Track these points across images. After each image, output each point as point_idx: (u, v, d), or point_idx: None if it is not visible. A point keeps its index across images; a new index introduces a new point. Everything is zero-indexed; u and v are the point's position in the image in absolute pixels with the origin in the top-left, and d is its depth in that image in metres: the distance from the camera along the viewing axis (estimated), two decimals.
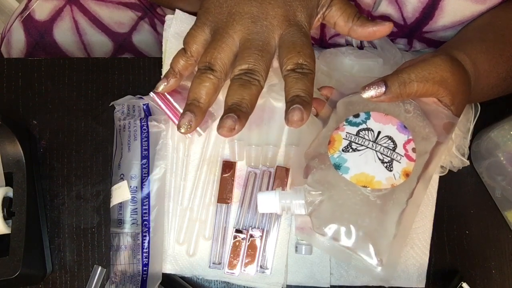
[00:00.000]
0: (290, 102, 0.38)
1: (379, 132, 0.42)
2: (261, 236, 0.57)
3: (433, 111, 0.45)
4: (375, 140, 0.42)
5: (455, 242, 0.60)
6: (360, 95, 0.43)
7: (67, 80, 0.63)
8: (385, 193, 0.42)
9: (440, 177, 0.59)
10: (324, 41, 0.62)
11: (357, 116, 0.43)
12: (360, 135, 0.43)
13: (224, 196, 0.58)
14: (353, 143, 0.42)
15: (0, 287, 0.53)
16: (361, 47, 0.62)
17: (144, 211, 0.55)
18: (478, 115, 0.57)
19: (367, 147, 0.42)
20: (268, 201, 0.45)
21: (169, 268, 0.58)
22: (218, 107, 0.59)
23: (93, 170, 0.61)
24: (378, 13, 0.55)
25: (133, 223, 0.55)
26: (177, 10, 0.61)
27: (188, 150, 0.59)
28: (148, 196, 0.56)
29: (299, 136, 0.58)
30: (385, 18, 0.56)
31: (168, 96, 0.57)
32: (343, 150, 0.42)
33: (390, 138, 0.42)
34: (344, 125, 0.44)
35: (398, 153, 0.42)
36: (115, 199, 0.55)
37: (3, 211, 0.54)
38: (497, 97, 0.54)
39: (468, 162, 0.58)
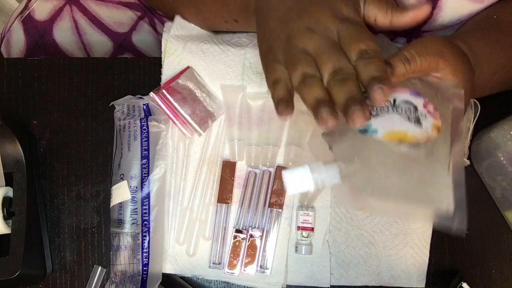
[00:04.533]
0: (369, 86, 0.37)
1: (394, 100, 0.40)
2: (261, 236, 0.57)
3: (438, 87, 0.43)
4: (393, 105, 0.40)
5: (455, 242, 0.60)
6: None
7: (67, 80, 0.63)
8: (424, 148, 0.39)
9: None
10: None
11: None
12: (377, 107, 0.40)
13: (224, 196, 0.58)
14: (372, 111, 0.40)
15: (0, 287, 0.53)
16: None
17: (144, 211, 0.55)
18: (478, 115, 0.57)
19: (389, 112, 0.39)
20: (299, 177, 0.41)
21: (169, 268, 0.58)
22: (218, 107, 0.60)
23: (93, 170, 0.61)
24: None
25: (133, 223, 0.55)
26: (176, 16, 0.61)
27: (188, 150, 0.59)
28: (148, 196, 0.56)
29: (299, 135, 0.58)
30: None
31: (168, 96, 0.58)
32: None
33: (407, 102, 0.40)
34: None
35: (421, 113, 0.39)
36: (115, 199, 0.55)
37: (3, 211, 0.54)
38: (502, 88, 0.54)
39: (468, 162, 0.58)
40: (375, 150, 0.39)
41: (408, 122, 0.39)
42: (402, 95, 0.41)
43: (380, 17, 0.46)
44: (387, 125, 0.39)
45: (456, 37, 0.48)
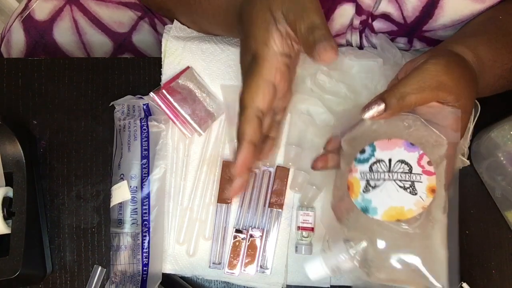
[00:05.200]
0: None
1: (390, 160, 0.42)
2: (261, 236, 0.57)
3: (438, 112, 0.44)
4: (389, 169, 0.41)
5: None
6: (358, 127, 0.42)
7: (67, 80, 0.63)
8: (421, 219, 0.41)
9: None
10: None
11: (363, 152, 0.43)
12: (373, 169, 0.42)
13: (224, 196, 0.58)
14: (370, 181, 0.42)
15: (0, 287, 0.53)
16: (360, 47, 0.62)
17: (144, 211, 0.55)
18: (478, 115, 0.57)
19: (385, 180, 0.41)
20: (317, 269, 0.44)
21: (169, 268, 0.58)
22: (218, 107, 0.60)
23: (93, 170, 0.61)
24: (379, 12, 0.55)
25: (133, 223, 0.55)
26: (175, 21, 0.61)
27: (188, 150, 0.59)
28: (148, 196, 0.56)
29: (299, 135, 0.58)
30: (385, 17, 0.56)
31: (168, 96, 0.58)
32: (363, 191, 0.42)
33: (402, 161, 0.41)
34: (355, 165, 0.43)
35: (416, 173, 0.41)
36: (115, 199, 0.55)
37: (3, 211, 0.54)
38: (504, 90, 0.54)
39: (468, 162, 0.58)
40: (376, 229, 0.42)
41: (403, 192, 0.40)
42: (397, 152, 0.42)
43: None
44: (384, 202, 0.41)
45: (462, 43, 0.47)
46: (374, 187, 0.41)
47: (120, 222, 0.55)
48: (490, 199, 0.60)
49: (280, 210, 0.58)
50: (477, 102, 0.57)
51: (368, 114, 0.41)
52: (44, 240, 0.58)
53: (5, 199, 0.54)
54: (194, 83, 0.59)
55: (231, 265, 0.57)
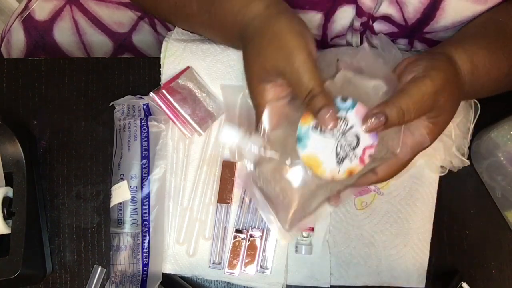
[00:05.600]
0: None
1: (351, 127, 0.43)
2: (261, 236, 0.57)
3: (410, 124, 0.45)
4: (343, 132, 0.43)
5: (455, 242, 0.60)
6: (360, 78, 0.44)
7: (67, 80, 0.63)
8: (321, 183, 0.45)
9: (440, 177, 0.59)
10: (325, 42, 0.62)
11: (344, 100, 0.44)
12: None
13: (224, 196, 0.58)
14: (323, 126, 0.44)
15: (0, 287, 0.53)
16: None
17: (144, 211, 0.55)
18: (478, 115, 0.57)
19: (333, 135, 0.43)
20: (232, 136, 0.46)
21: (169, 268, 0.58)
22: (218, 107, 0.60)
23: (93, 170, 0.61)
24: (379, 13, 0.55)
25: (133, 223, 0.55)
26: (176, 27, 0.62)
27: (188, 150, 0.59)
28: (148, 196, 0.56)
29: None
30: (386, 18, 0.56)
31: (168, 96, 0.58)
32: (313, 127, 0.43)
33: (357, 137, 0.43)
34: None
35: (355, 154, 0.43)
36: (115, 199, 0.55)
37: (3, 211, 0.54)
38: (499, 92, 0.54)
39: (468, 162, 0.58)
40: (292, 159, 0.45)
41: (332, 156, 0.43)
42: (361, 129, 0.43)
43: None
44: (315, 147, 0.43)
45: (462, 47, 0.48)
46: (320, 132, 0.43)
47: (120, 222, 0.55)
48: (490, 199, 0.60)
49: None
50: (477, 102, 0.57)
51: (367, 126, 0.42)
52: (44, 240, 0.58)
53: (5, 199, 0.54)
54: (194, 83, 0.59)
55: (231, 265, 0.57)
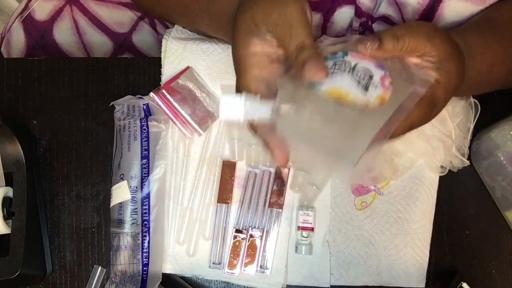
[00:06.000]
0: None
1: (356, 64, 0.41)
2: (261, 236, 0.57)
3: (411, 73, 0.44)
4: (351, 69, 0.41)
5: (455, 242, 0.60)
6: (340, 44, 0.42)
7: (67, 80, 0.63)
8: (357, 113, 0.41)
9: (440, 177, 0.59)
10: None
11: (334, 53, 0.42)
12: (336, 66, 0.41)
13: (224, 196, 0.58)
14: (330, 69, 0.41)
15: (0, 287, 0.53)
16: None
17: (144, 211, 0.55)
18: (478, 115, 0.57)
19: (344, 71, 0.40)
20: (233, 104, 0.42)
21: (169, 268, 0.58)
22: (218, 107, 0.59)
23: (93, 170, 0.61)
24: (378, 14, 0.55)
25: (133, 223, 0.55)
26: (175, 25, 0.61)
27: (188, 150, 0.59)
28: (148, 196, 0.56)
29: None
30: (385, 19, 0.56)
31: (168, 96, 0.58)
32: None
33: (366, 70, 0.41)
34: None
35: (374, 82, 0.41)
36: (115, 199, 0.56)
37: (3, 211, 0.54)
38: (501, 85, 0.53)
39: (468, 162, 0.58)
40: (312, 101, 0.41)
41: (356, 85, 0.40)
42: (365, 63, 0.41)
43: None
44: (333, 82, 0.40)
45: (450, 31, 0.48)
46: (332, 73, 0.41)
47: (120, 222, 0.55)
48: (490, 199, 0.60)
49: (280, 210, 0.58)
50: (477, 102, 0.57)
51: (361, 47, 0.41)
52: (44, 240, 0.58)
53: (5, 199, 0.54)
54: (194, 83, 0.59)
55: (231, 265, 0.57)
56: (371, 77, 0.40)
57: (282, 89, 0.44)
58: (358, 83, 0.40)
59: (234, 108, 0.42)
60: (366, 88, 0.40)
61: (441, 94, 0.44)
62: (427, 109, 0.44)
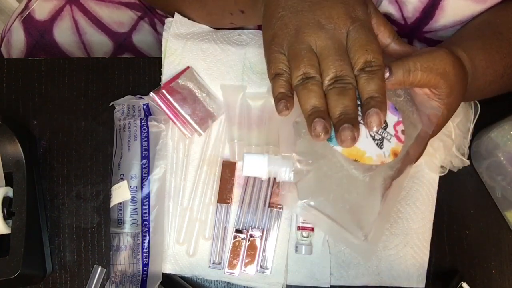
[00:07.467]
0: (365, 106, 0.38)
1: None
2: (261, 236, 0.57)
3: (420, 101, 0.44)
4: None
5: (455, 242, 0.60)
6: None
7: (67, 80, 0.63)
8: (374, 170, 0.42)
9: (440, 177, 0.59)
10: None
11: None
12: None
13: (224, 196, 0.58)
14: None
15: (0, 287, 0.53)
16: None
17: (144, 211, 0.55)
18: (478, 115, 0.57)
19: (360, 123, 0.40)
20: (256, 163, 0.43)
21: (169, 268, 0.58)
22: (218, 107, 0.60)
23: (93, 170, 0.61)
24: None
25: (133, 223, 0.55)
26: (176, 14, 0.61)
27: (188, 150, 0.59)
28: (148, 196, 0.56)
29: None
30: (385, 17, 0.56)
31: (168, 96, 0.58)
32: None
33: None
34: None
35: (388, 133, 0.41)
36: (115, 199, 0.56)
37: (3, 211, 0.54)
38: (494, 95, 0.54)
39: (468, 162, 0.58)
40: (329, 160, 0.42)
41: (371, 141, 0.41)
42: None
43: (381, 38, 0.45)
44: None
45: (459, 45, 0.47)
46: None
47: (120, 222, 0.55)
48: (490, 199, 0.60)
49: (280, 210, 0.58)
50: (477, 102, 0.57)
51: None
52: (44, 240, 0.58)
53: (5, 199, 0.54)
54: (194, 83, 0.59)
55: (231, 265, 0.57)
56: (385, 128, 0.41)
57: (299, 136, 0.43)
58: (373, 139, 0.41)
59: (257, 167, 0.43)
60: (381, 142, 0.41)
61: (439, 122, 0.45)
62: (426, 145, 0.46)
